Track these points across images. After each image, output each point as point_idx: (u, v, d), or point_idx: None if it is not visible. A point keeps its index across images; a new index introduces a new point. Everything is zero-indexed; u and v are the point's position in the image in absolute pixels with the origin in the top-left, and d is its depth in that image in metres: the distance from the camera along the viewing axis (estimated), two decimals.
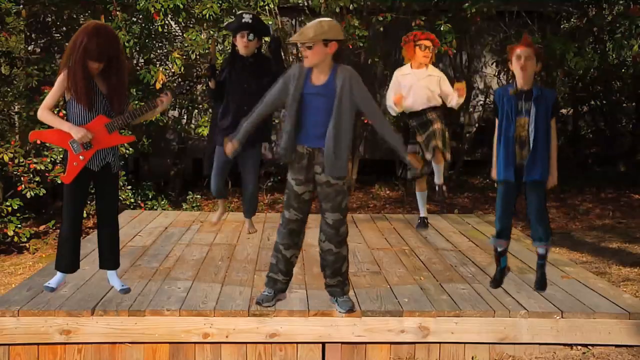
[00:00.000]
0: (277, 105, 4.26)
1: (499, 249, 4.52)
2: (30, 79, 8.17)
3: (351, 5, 8.64)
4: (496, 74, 10.79)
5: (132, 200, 8.33)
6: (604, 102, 12.03)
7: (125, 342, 4.17)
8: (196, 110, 9.75)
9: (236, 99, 4.88)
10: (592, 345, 4.24)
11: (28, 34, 9.66)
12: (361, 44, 8.71)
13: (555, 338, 4.22)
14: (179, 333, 4.16)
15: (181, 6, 7.72)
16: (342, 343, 4.20)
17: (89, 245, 5.47)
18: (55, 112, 4.34)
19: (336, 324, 4.18)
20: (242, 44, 4.85)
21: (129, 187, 8.42)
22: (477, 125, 11.03)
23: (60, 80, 4.05)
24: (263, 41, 5.11)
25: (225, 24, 7.03)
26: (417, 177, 6.34)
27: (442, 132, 6.02)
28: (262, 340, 4.17)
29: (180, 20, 8.39)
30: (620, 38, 8.79)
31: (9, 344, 4.12)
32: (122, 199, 8.00)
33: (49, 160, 7.51)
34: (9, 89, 8.61)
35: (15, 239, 7.50)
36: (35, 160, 7.49)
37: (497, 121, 4.34)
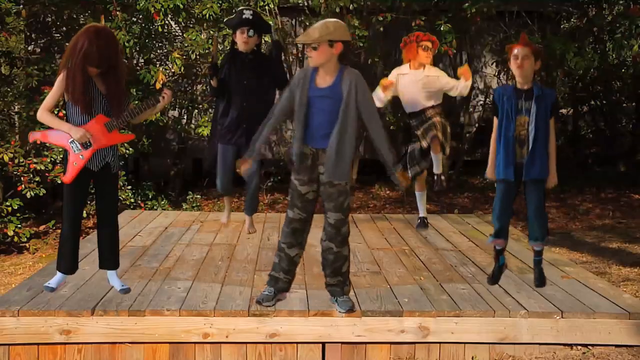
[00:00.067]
0: (287, 114, 4.21)
1: (497, 247, 4.54)
2: (30, 79, 8.17)
3: (351, 5, 8.64)
4: (496, 74, 10.79)
5: (132, 200, 8.32)
6: (604, 102, 12.02)
7: (125, 342, 4.17)
8: (196, 110, 9.74)
9: (236, 96, 4.88)
10: (592, 345, 4.24)
11: (28, 34, 9.66)
12: (361, 44, 8.71)
13: (555, 338, 4.22)
14: (179, 333, 4.16)
15: (181, 6, 7.72)
16: (342, 343, 4.20)
17: (89, 245, 5.47)
18: (55, 112, 4.35)
19: (336, 324, 4.18)
20: (242, 40, 4.84)
21: (129, 187, 8.42)
22: (477, 125, 11.01)
23: (59, 80, 4.06)
24: (262, 39, 5.11)
25: (225, 19, 7.04)
26: (418, 173, 6.35)
27: (443, 125, 6.05)
28: (262, 340, 4.17)
29: (180, 20, 8.39)
30: (620, 38, 8.79)
31: (9, 344, 4.12)
32: (122, 199, 8.00)
33: (49, 160, 7.51)
34: (9, 89, 8.60)
35: (15, 239, 7.49)
36: (35, 160, 7.49)
37: (495, 120, 4.35)
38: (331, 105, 3.99)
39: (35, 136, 4.31)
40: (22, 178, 7.50)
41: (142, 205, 8.66)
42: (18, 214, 7.63)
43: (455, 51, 8.67)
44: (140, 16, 8.11)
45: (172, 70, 8.38)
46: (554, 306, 4.32)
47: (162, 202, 8.92)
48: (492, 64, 10.73)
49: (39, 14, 9.28)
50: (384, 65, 9.09)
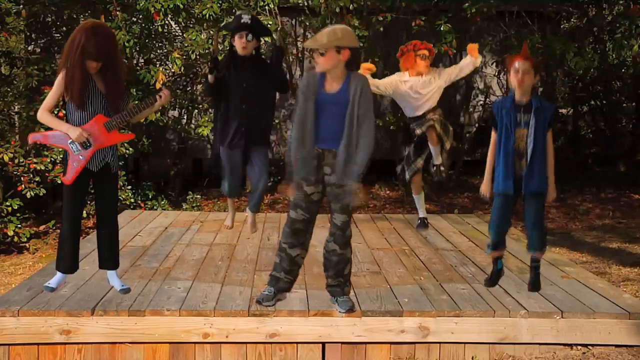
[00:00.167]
0: (309, 118, 4.10)
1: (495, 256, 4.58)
2: (30, 79, 8.17)
3: (351, 5, 8.64)
4: (496, 74, 10.78)
5: (132, 200, 8.32)
6: (604, 102, 12.02)
7: (125, 342, 4.17)
8: (196, 110, 9.74)
9: (235, 99, 4.88)
10: (592, 345, 4.24)
11: (28, 34, 9.66)
12: (361, 44, 8.70)
13: (555, 338, 4.23)
14: (179, 333, 4.16)
15: (181, 6, 7.71)
16: (342, 343, 4.20)
17: (89, 245, 5.47)
18: (55, 113, 4.35)
19: (336, 324, 4.18)
20: (241, 44, 4.84)
21: (129, 187, 8.42)
22: (477, 125, 11.00)
23: (59, 80, 4.06)
24: (262, 41, 5.11)
25: (223, 24, 7.03)
26: (415, 172, 6.37)
27: (442, 122, 6.09)
28: (262, 340, 4.17)
29: (180, 20, 8.39)
30: (620, 38, 8.78)
31: (9, 344, 4.12)
32: (122, 199, 8.00)
33: (49, 160, 7.51)
34: (9, 89, 8.60)
35: (15, 239, 7.49)
36: (35, 160, 7.49)
37: (494, 134, 4.35)
38: (340, 109, 4.00)
39: (35, 138, 4.32)
40: (22, 178, 7.50)
41: (142, 205, 8.66)
42: (18, 214, 7.63)
43: (455, 51, 8.67)
44: (140, 16, 8.11)
45: (172, 70, 8.38)
46: (554, 306, 4.33)
47: (162, 202, 8.92)
48: (492, 64, 10.72)
49: (39, 14, 9.28)
50: (384, 65, 9.09)
